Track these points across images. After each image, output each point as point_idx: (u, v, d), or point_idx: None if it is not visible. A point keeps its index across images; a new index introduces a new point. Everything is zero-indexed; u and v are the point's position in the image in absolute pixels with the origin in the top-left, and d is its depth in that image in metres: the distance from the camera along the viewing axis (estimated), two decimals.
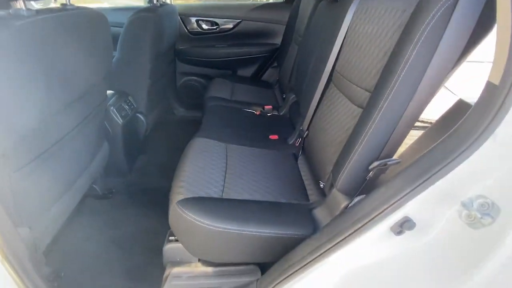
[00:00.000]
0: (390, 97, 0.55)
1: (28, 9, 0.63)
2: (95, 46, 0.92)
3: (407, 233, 0.53)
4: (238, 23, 1.89)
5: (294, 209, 0.83)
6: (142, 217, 1.26)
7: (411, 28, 0.54)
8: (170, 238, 0.89)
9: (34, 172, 0.75)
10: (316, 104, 1.00)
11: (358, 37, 0.78)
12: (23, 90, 0.61)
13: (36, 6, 0.80)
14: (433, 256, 0.54)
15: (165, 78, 1.75)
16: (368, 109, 0.63)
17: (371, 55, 0.70)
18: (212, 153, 1.02)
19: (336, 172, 0.70)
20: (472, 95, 0.65)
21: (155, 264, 1.04)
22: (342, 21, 0.87)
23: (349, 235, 0.56)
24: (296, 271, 0.61)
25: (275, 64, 2.03)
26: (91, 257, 1.08)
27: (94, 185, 1.30)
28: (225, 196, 0.83)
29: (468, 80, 1.50)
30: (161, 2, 1.45)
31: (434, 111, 0.73)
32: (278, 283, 0.65)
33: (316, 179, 0.95)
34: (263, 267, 0.88)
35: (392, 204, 0.52)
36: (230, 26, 1.91)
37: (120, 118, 1.23)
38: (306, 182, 0.99)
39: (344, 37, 0.87)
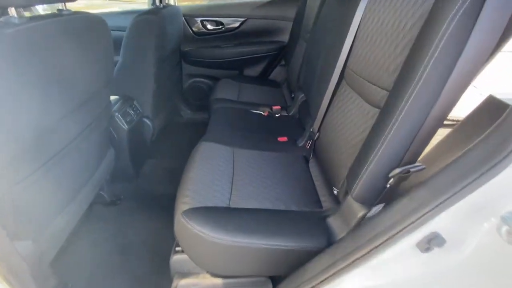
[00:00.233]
0: (412, 96, 0.48)
1: (20, 17, 0.61)
2: (94, 52, 0.89)
3: (436, 250, 0.47)
4: (244, 21, 1.84)
5: (307, 218, 0.78)
6: (150, 224, 1.24)
7: (436, 18, 0.47)
8: (177, 249, 0.85)
9: (36, 183, 0.73)
10: (327, 103, 0.94)
11: (372, 30, 0.72)
12: (18, 99, 0.59)
13: (41, 12, 0.79)
14: (466, 276, 0.48)
15: (171, 81, 1.73)
16: (386, 109, 0.56)
17: (387, 50, 0.64)
18: (218, 158, 0.98)
19: (352, 179, 0.65)
20: (504, 91, 0.57)
21: (163, 274, 1.01)
22: (354, 14, 0.81)
23: (368, 252, 0.50)
24: None
25: (283, 62, 1.96)
26: (98, 266, 1.06)
27: (101, 192, 1.29)
28: (232, 205, 0.79)
29: (495, 72, 1.39)
30: (164, 4, 1.42)
31: (458, 107, 0.66)
32: None
33: (329, 184, 0.89)
34: (275, 279, 0.84)
35: (418, 218, 0.46)
36: (236, 25, 1.86)
37: (125, 124, 1.21)
38: (318, 187, 0.93)
39: (356, 31, 0.80)
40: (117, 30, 1.82)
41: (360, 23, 0.79)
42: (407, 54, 0.55)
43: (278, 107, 1.48)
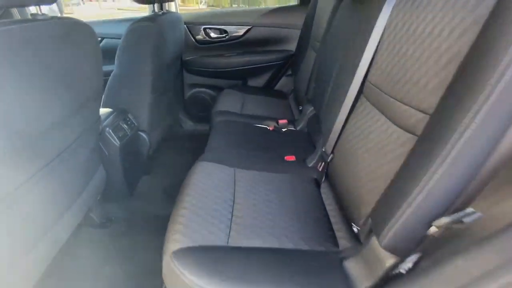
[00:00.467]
0: (473, 126, 0.36)
1: None
2: (79, 61, 0.79)
3: None
4: (248, 29, 1.75)
5: (320, 260, 0.65)
6: (142, 250, 1.11)
7: (504, 23, 0.36)
8: None
9: (12, 207, 0.62)
10: (342, 121, 0.82)
11: (401, 39, 0.60)
12: None
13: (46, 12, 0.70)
14: None
15: (171, 91, 1.63)
16: (430, 138, 0.44)
17: (424, 64, 0.52)
18: (217, 181, 0.86)
19: (379, 223, 0.52)
20: None
21: None
22: (376, 20, 0.69)
23: None
24: None
25: (289, 72, 1.86)
26: None
27: (90, 213, 1.18)
28: (231, 243, 0.67)
29: None
30: (163, 11, 1.33)
31: None
32: None
33: (345, 217, 0.76)
34: None
35: None
36: (240, 33, 1.76)
37: (117, 140, 1.10)
38: (332, 218, 0.81)
39: (380, 40, 0.69)
40: (118, 38, 1.75)
41: (384, 30, 0.67)
42: (456, 69, 0.44)
43: (285, 121, 1.36)
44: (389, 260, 0.52)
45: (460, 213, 0.42)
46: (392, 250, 0.51)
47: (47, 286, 0.94)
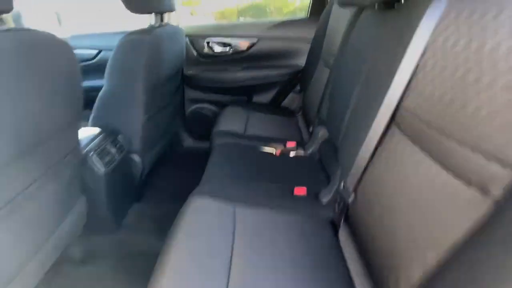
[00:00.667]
0: None
1: None
2: (52, 80, 0.66)
3: None
4: (255, 43, 1.63)
5: None
6: None
7: None
8: None
9: None
10: (369, 154, 0.66)
11: (457, 58, 0.45)
12: None
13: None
14: None
15: (170, 108, 1.50)
16: None
17: (500, 95, 0.37)
18: (213, 224, 0.71)
19: None
20: None
21: None
22: (412, 35, 0.55)
23: None
24: None
25: (298, 88, 1.72)
26: None
27: (71, 248, 1.03)
28: None
29: None
30: (161, 24, 1.22)
31: None
32: None
33: (374, 281, 0.60)
34: None
35: None
36: (245, 46, 1.65)
37: (102, 166, 0.97)
38: (356, 279, 0.64)
39: (420, 58, 0.54)
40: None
41: (427, 46, 0.53)
42: None
43: (293, 143, 1.21)
44: None
45: None
46: None
47: None
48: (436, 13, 0.53)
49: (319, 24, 1.44)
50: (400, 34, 0.60)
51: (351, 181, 0.72)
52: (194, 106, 1.83)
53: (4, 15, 0.61)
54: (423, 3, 0.56)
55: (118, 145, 1.08)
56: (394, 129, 0.62)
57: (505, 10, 0.39)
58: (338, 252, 0.70)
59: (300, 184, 0.94)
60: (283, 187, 0.93)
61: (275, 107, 1.75)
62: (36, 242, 0.76)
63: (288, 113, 1.66)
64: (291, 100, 1.76)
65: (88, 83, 1.79)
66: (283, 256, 0.66)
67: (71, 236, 0.94)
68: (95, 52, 1.67)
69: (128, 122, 1.13)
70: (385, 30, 0.70)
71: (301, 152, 1.19)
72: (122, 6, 1.01)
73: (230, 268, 0.60)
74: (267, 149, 1.17)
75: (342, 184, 0.77)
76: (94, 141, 0.99)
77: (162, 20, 1.48)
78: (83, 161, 0.94)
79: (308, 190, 0.91)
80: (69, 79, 0.71)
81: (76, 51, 1.72)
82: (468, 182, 0.40)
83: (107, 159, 1.00)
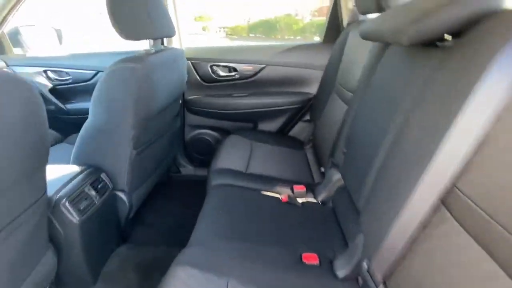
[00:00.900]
0: None
1: None
2: (9, 129, 0.54)
3: None
4: (262, 68, 1.51)
5: None
6: None
7: None
8: None
9: None
10: (405, 239, 0.50)
11: None
12: None
13: None
14: None
15: (167, 136, 1.37)
16: None
17: None
18: None
19: None
20: None
21: None
22: (472, 88, 0.40)
23: None
24: None
25: (307, 117, 1.58)
26: None
27: None
28: None
29: None
30: (159, 48, 1.10)
31: None
32: None
33: None
34: None
35: None
36: (252, 72, 1.53)
37: (76, 215, 0.82)
38: None
39: (490, 124, 0.39)
40: None
41: (499, 108, 0.38)
42: None
43: (302, 187, 1.05)
44: None
45: None
46: None
47: None
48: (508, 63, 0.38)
49: (334, 50, 1.31)
50: (453, 83, 0.45)
51: (378, 267, 0.55)
52: (194, 132, 1.70)
53: None
54: (492, 39, 0.41)
55: (100, 186, 0.94)
56: (443, 210, 0.46)
57: None
58: None
59: (311, 248, 0.77)
60: (288, 251, 0.76)
61: (282, 136, 1.60)
62: None
63: (296, 144, 1.51)
64: (300, 129, 1.61)
65: (83, 105, 1.70)
66: None
67: None
68: (93, 73, 1.58)
69: (114, 159, 0.99)
70: (427, 73, 0.55)
71: (311, 199, 1.02)
72: None
73: None
74: (272, 194, 1.02)
75: (365, 263, 0.60)
76: (70, 184, 0.85)
77: (162, 43, 1.38)
78: (54, 209, 0.80)
79: (320, 256, 0.74)
80: (32, 123, 0.58)
81: (74, 71, 1.64)
82: None
83: (84, 204, 0.86)
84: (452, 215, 0.44)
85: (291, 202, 0.98)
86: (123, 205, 1.08)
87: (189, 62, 1.51)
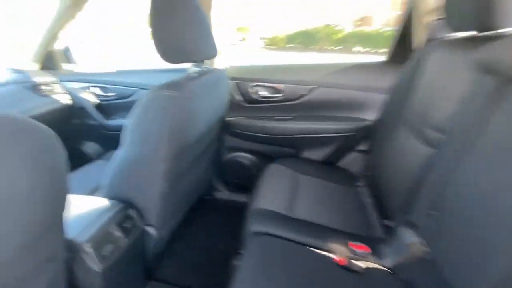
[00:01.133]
0: None
1: None
2: (29, 178, 0.44)
3: None
4: (312, 89, 1.34)
5: None
6: None
7: None
8: None
9: None
10: None
11: None
12: None
13: None
14: None
15: (203, 161, 1.26)
16: None
17: None
18: None
19: None
20: None
21: None
22: None
23: None
24: None
25: (361, 147, 1.36)
26: None
27: None
28: None
29: None
30: (201, 69, 0.99)
31: None
32: None
33: None
34: None
35: None
36: (299, 93, 1.36)
37: (99, 262, 0.72)
38: None
39: None
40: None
41: None
42: None
43: (362, 247, 0.83)
44: None
45: None
46: None
47: None
48: None
49: (404, 73, 1.09)
50: None
51: None
52: (231, 155, 1.57)
53: None
54: None
55: (127, 225, 0.83)
56: None
57: None
58: None
59: None
60: None
61: (330, 167, 1.39)
62: None
63: (347, 178, 1.29)
64: (351, 160, 1.39)
65: (122, 121, 1.69)
66: None
67: None
68: (133, 90, 1.55)
69: (145, 193, 0.89)
70: None
71: (375, 264, 0.80)
72: None
73: None
74: (324, 252, 0.82)
75: None
76: (94, 225, 0.75)
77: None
78: (75, 254, 0.70)
79: None
80: (53, 171, 0.48)
81: (118, 88, 1.62)
82: None
83: (108, 249, 0.76)
84: None
85: (350, 268, 0.77)
86: (152, 241, 0.98)
87: (233, 81, 1.39)
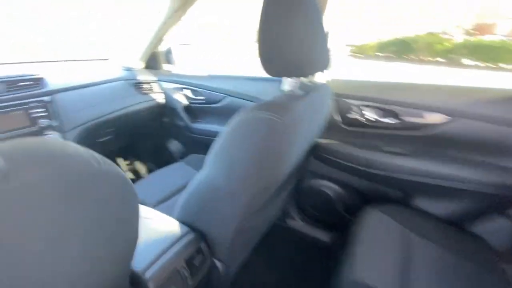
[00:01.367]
0: None
1: None
2: (100, 224, 0.33)
3: None
4: (448, 121, 0.99)
5: None
6: None
7: None
8: None
9: None
10: None
11: None
12: None
13: None
14: None
15: (286, 191, 1.07)
16: None
17: None
18: None
19: None
20: None
21: None
22: None
23: None
24: None
25: (510, 211, 0.93)
26: None
27: None
28: None
29: None
30: (306, 86, 0.79)
31: None
32: None
33: None
34: None
35: None
36: (424, 122, 1.03)
37: None
38: None
39: None
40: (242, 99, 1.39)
41: None
42: None
43: None
44: None
45: None
46: None
47: None
48: None
49: None
50: None
51: None
52: (314, 181, 1.34)
53: None
54: None
55: (196, 262, 0.71)
56: None
57: None
58: None
59: None
60: None
61: (457, 230, 1.01)
62: None
63: (486, 253, 0.89)
64: (492, 228, 0.97)
65: (206, 126, 1.67)
66: None
67: None
68: (222, 96, 1.49)
69: (219, 226, 0.75)
70: None
71: None
72: None
73: None
74: None
75: None
76: (161, 259, 0.64)
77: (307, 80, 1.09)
78: None
79: None
80: (126, 214, 0.37)
81: (207, 92, 1.59)
82: None
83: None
84: None
85: None
86: (219, 275, 0.84)
87: (335, 98, 1.17)
